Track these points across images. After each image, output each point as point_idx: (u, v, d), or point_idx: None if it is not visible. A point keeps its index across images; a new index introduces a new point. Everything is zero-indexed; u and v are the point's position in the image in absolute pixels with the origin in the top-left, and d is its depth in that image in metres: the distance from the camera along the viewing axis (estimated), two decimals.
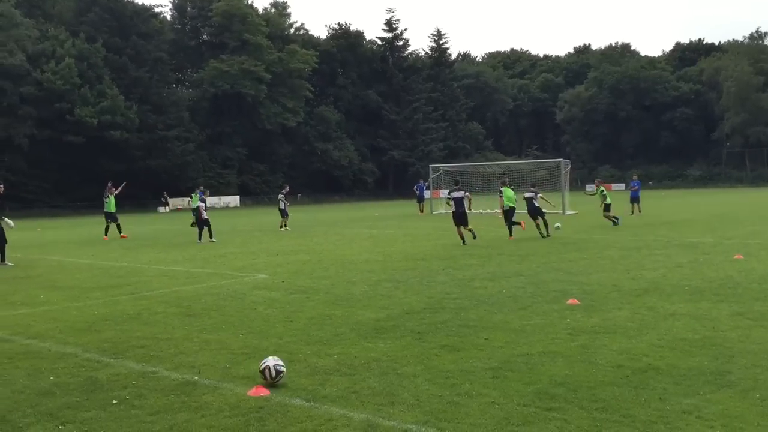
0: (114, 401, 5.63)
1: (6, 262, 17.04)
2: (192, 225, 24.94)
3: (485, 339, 7.41)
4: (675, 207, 38.81)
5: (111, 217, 25.21)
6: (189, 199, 30.56)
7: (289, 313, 9.29)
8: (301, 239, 22.44)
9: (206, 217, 22.67)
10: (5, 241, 17.11)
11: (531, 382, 5.82)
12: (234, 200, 68.48)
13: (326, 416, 5.11)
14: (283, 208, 27.49)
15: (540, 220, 20.58)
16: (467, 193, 19.53)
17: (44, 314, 9.75)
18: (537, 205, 20.96)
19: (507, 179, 23.06)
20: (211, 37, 77.07)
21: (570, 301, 9.41)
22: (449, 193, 20.25)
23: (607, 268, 12.84)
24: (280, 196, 28.00)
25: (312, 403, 5.42)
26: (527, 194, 21.58)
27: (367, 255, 16.51)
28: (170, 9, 79.89)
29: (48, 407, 5.53)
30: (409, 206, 40.01)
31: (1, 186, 17.45)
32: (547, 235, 20.14)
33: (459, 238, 18.99)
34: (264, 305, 9.93)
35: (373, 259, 15.63)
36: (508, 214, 20.64)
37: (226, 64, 70.33)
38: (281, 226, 27.42)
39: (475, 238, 19.02)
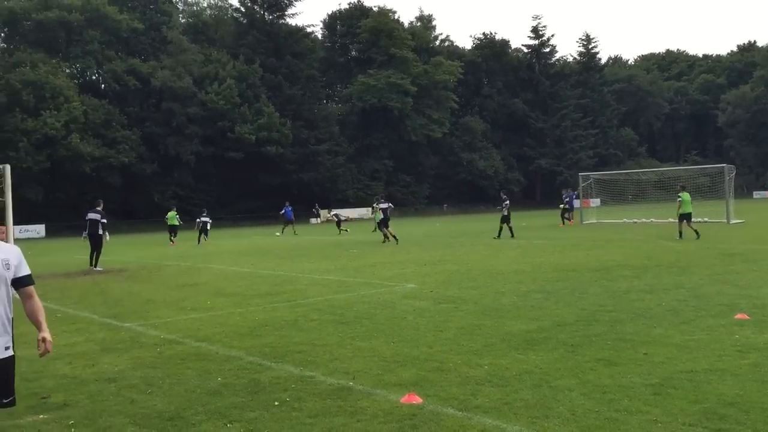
0: (276, 403, 5.91)
1: (98, 267, 20.21)
2: (373, 231, 32.53)
3: (644, 354, 7.06)
4: None
5: None
6: (370, 209, 40.13)
7: (438, 322, 9.34)
8: (449, 250, 22.52)
9: (209, 228, 31.28)
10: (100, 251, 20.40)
11: (697, 401, 5.48)
12: None
13: (479, 427, 5.09)
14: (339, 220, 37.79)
15: (389, 230, 26.06)
16: (391, 204, 27.63)
17: (211, 319, 10.44)
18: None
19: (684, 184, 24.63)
20: (359, 53, 79.50)
21: (738, 316, 8.76)
22: (378, 204, 27.39)
23: None
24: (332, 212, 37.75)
25: (464, 413, 5.41)
26: (382, 205, 26.90)
27: (516, 265, 16.27)
28: (321, 28, 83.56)
29: (217, 406, 5.90)
30: (558, 216, 38.92)
31: (101, 202, 21.22)
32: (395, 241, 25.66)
33: (393, 239, 25.77)
34: (413, 314, 10.05)
35: (522, 269, 15.37)
36: (686, 218, 22.38)
37: (374, 79, 72.26)
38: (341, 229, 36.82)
39: (397, 242, 25.14)
